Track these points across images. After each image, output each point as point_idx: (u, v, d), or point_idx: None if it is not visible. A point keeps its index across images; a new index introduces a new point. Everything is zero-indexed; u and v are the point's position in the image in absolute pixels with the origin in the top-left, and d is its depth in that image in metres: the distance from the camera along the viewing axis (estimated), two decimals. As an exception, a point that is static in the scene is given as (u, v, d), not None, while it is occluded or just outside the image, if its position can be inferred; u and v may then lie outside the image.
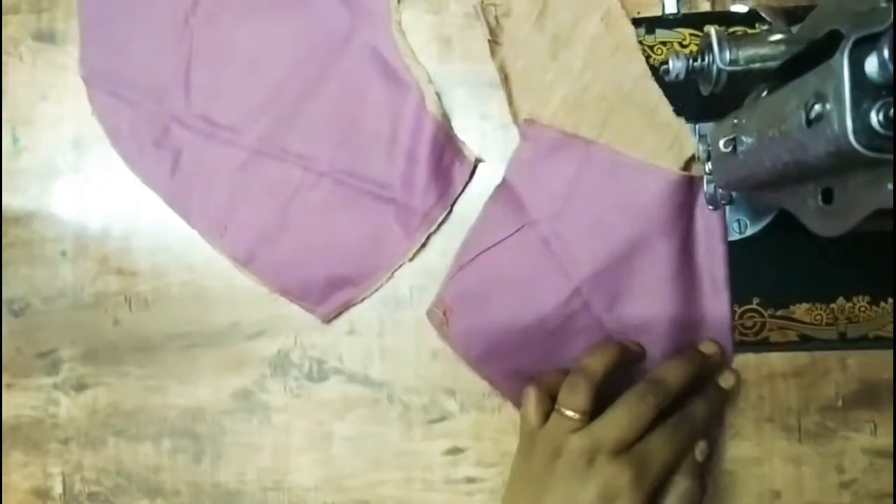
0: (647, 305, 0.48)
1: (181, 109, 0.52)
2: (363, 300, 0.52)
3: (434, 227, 0.50)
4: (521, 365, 0.49)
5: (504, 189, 0.50)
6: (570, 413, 0.42)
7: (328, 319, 0.52)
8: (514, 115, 0.50)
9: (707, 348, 0.47)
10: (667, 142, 0.47)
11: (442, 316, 0.49)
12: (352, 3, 0.51)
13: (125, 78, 0.53)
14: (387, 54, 0.50)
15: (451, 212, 0.50)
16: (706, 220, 0.47)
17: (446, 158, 0.50)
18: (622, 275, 0.47)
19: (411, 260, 0.51)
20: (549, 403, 0.45)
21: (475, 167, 0.51)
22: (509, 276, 0.49)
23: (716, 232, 0.47)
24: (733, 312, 0.48)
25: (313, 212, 0.51)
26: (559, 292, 0.48)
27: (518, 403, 0.48)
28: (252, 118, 0.52)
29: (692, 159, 0.47)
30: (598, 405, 0.43)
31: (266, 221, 0.51)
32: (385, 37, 0.50)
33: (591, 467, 0.41)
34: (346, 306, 0.52)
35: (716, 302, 0.48)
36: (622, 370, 0.45)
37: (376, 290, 0.51)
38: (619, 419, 0.42)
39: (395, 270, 0.51)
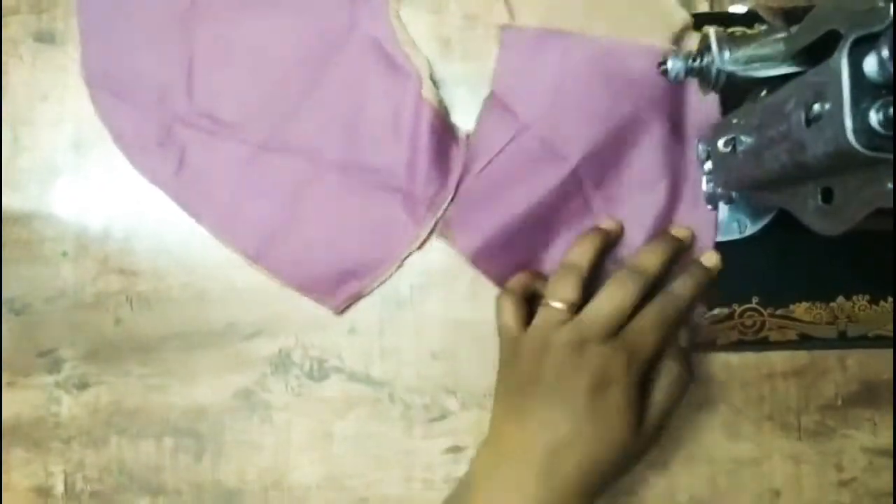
0: (636, 183, 0.48)
1: (184, 108, 0.52)
2: (374, 289, 0.52)
3: (440, 212, 0.50)
4: (521, 257, 0.49)
5: (491, 101, 0.50)
6: (558, 305, 0.42)
7: (340, 311, 0.52)
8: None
9: (680, 233, 0.47)
10: (652, 17, 0.47)
11: (450, 232, 0.50)
12: None
13: (126, 79, 0.53)
14: (386, 44, 0.51)
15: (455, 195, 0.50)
16: (699, 103, 0.47)
17: (444, 144, 0.50)
18: (613, 152, 0.48)
19: (420, 248, 0.51)
20: (525, 307, 0.45)
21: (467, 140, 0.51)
22: (511, 183, 0.48)
23: (712, 116, 0.47)
24: (732, 312, 0.48)
25: (321, 204, 0.51)
26: (556, 182, 0.48)
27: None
28: (255, 114, 0.52)
29: (682, 31, 0.47)
30: (584, 300, 0.43)
31: (274, 216, 0.51)
32: (384, 26, 0.51)
33: (581, 357, 0.41)
34: (357, 297, 0.52)
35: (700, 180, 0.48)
36: (604, 263, 0.46)
37: (387, 279, 0.51)
38: (604, 306, 0.42)
39: (406, 259, 0.51)
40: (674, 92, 0.47)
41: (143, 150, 0.53)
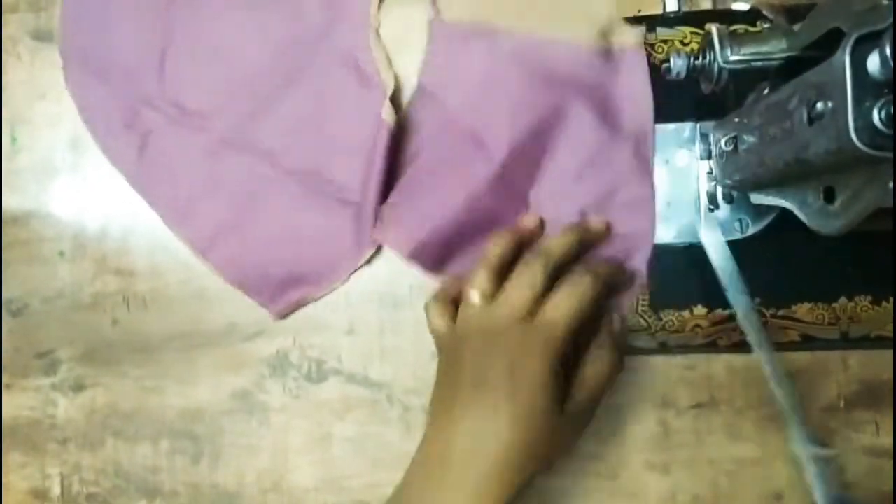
0: (569, 180, 0.48)
1: (154, 93, 0.52)
2: (317, 300, 0.52)
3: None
4: (457, 254, 0.49)
5: (421, 94, 0.50)
6: (474, 298, 0.43)
7: (281, 317, 0.52)
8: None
9: (593, 222, 0.47)
10: (577, 13, 0.47)
11: (387, 230, 0.49)
12: (332, 4, 0.51)
13: (101, 57, 0.53)
14: (360, 58, 0.51)
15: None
16: (631, 97, 0.48)
17: (398, 167, 0.50)
18: (540, 147, 0.48)
19: (368, 263, 0.51)
20: (453, 309, 0.45)
21: None
22: (441, 174, 0.49)
23: (643, 109, 0.47)
24: (734, 312, 0.47)
25: (276, 208, 0.51)
26: (486, 175, 0.48)
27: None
28: (223, 108, 0.52)
29: (607, 27, 0.47)
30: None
31: (228, 213, 0.51)
32: (361, 41, 0.51)
33: (495, 341, 0.41)
34: (300, 305, 0.52)
35: (641, 182, 0.48)
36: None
37: (331, 291, 0.51)
38: (512, 290, 0.42)
39: (352, 274, 0.51)
40: (600, 86, 0.47)
41: (109, 130, 0.53)
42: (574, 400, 0.41)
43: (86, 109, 0.53)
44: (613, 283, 0.46)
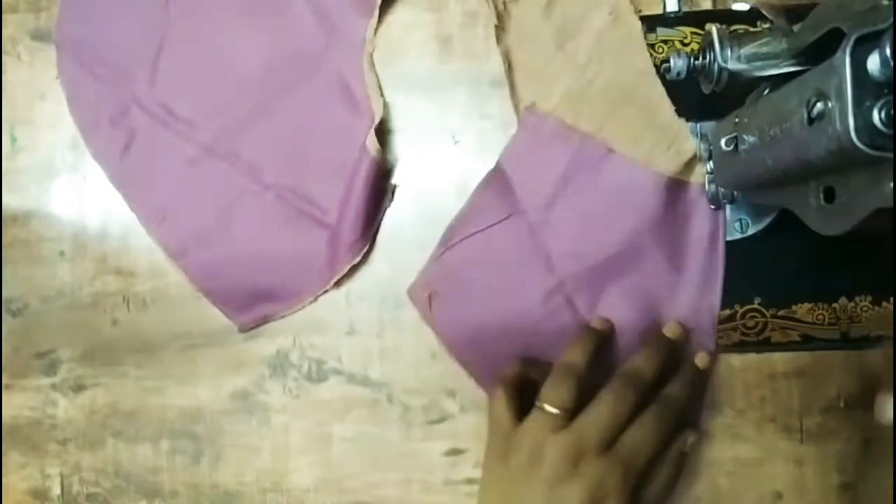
0: (632, 308, 0.47)
1: (144, 93, 0.53)
2: (283, 317, 0.52)
3: (357, 258, 0.50)
4: (501, 355, 0.48)
5: (497, 174, 0.49)
6: (552, 410, 0.42)
7: (245, 329, 0.52)
8: (516, 105, 0.50)
9: (671, 331, 0.47)
10: (665, 142, 0.46)
11: (426, 298, 0.49)
12: (330, 26, 0.51)
13: (96, 51, 0.53)
14: (352, 83, 0.51)
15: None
16: (704, 227, 0.47)
17: (376, 195, 0.50)
18: (607, 275, 0.47)
19: (368, 263, 0.51)
20: (519, 401, 0.44)
21: (393, 192, 0.51)
22: (495, 263, 0.48)
23: (716, 239, 0.47)
24: (734, 313, 0.47)
25: (252, 221, 0.51)
26: (543, 285, 0.48)
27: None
28: (210, 116, 0.52)
29: (691, 162, 0.46)
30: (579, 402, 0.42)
31: (204, 220, 0.52)
32: (355, 65, 0.51)
33: (576, 469, 0.40)
34: (266, 320, 0.52)
35: (706, 307, 0.47)
36: (598, 363, 0.45)
37: (299, 310, 0.51)
38: (601, 416, 0.41)
39: (319, 296, 0.51)
40: (676, 222, 0.47)
41: (96, 125, 0.53)
42: None
43: (75, 101, 0.54)
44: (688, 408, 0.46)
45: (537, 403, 0.43)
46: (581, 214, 0.47)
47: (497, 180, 0.49)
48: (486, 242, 0.48)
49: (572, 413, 0.42)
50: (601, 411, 0.41)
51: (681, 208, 0.47)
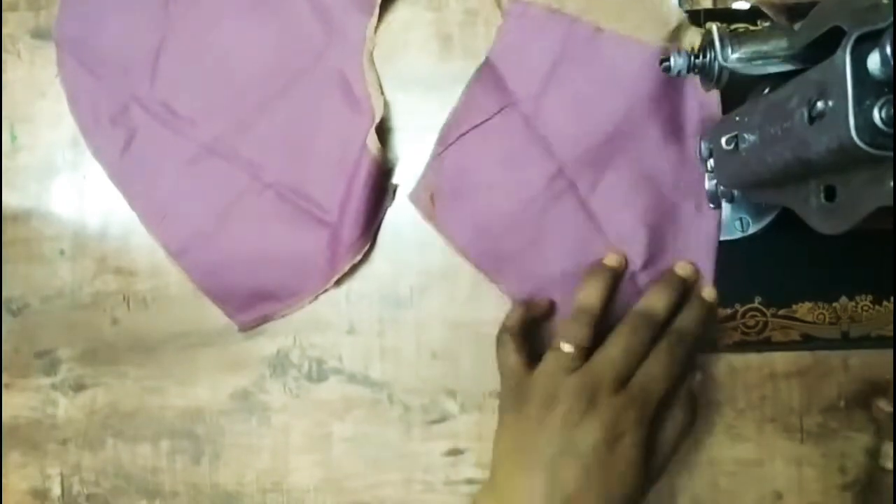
0: (633, 187, 0.47)
1: (144, 91, 0.52)
2: (283, 316, 0.52)
3: (358, 257, 0.50)
4: (509, 248, 0.49)
5: (486, 68, 0.49)
6: (568, 348, 0.42)
7: (245, 329, 0.52)
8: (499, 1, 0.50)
9: (683, 270, 0.47)
10: (651, 14, 0.46)
11: (428, 199, 0.49)
12: (330, 24, 0.51)
13: (96, 50, 0.53)
14: (353, 81, 0.51)
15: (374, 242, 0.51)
16: (699, 99, 0.47)
17: (377, 194, 0.50)
18: (606, 153, 0.47)
19: (368, 263, 0.51)
20: (527, 344, 0.44)
21: (395, 192, 0.51)
22: (493, 157, 0.48)
23: (711, 109, 0.46)
24: (735, 312, 0.47)
25: (252, 220, 0.51)
26: (543, 172, 0.48)
27: (509, 288, 0.49)
28: (211, 115, 0.52)
29: (678, 29, 0.46)
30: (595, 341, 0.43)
31: (205, 219, 0.51)
32: (355, 64, 0.51)
33: (592, 407, 0.40)
34: (265, 320, 0.52)
35: (704, 199, 0.47)
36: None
37: (299, 309, 0.51)
38: (616, 354, 0.41)
39: (320, 295, 0.51)
40: (670, 92, 0.47)
41: (96, 123, 0.53)
42: (653, 466, 0.42)
43: (74, 99, 0.54)
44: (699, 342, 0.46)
45: (553, 346, 0.43)
46: (575, 97, 0.47)
47: (487, 74, 0.49)
48: (482, 138, 0.48)
49: (587, 353, 0.42)
50: (615, 349, 0.42)
51: (674, 82, 0.47)
